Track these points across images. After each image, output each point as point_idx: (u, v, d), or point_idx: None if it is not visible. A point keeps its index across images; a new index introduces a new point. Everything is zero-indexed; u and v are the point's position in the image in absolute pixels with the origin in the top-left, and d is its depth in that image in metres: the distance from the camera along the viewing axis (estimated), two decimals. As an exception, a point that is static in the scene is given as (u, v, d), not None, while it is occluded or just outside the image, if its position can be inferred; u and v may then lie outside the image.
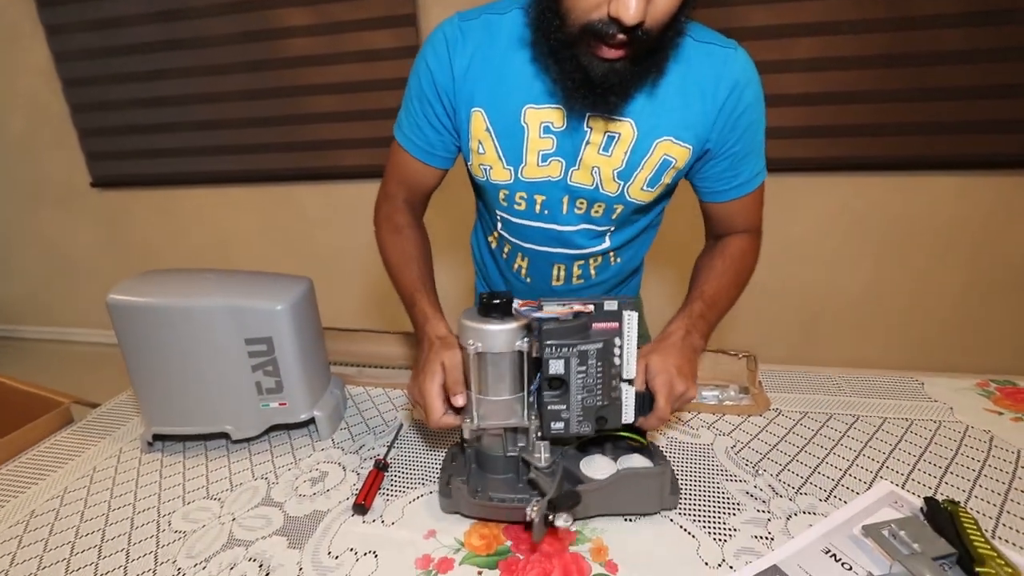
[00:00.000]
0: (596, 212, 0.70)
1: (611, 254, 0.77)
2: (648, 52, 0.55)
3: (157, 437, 0.70)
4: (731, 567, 0.50)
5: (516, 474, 0.56)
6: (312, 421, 0.71)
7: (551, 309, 0.51)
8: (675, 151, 0.64)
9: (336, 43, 2.04)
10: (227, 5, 2.06)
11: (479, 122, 0.65)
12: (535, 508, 0.45)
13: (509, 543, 0.53)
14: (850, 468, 0.63)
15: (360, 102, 2.10)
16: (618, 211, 0.69)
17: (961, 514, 0.53)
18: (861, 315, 2.08)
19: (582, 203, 0.69)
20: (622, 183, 0.66)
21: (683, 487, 0.60)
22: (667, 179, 0.67)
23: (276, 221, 2.39)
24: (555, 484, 0.49)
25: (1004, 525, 0.55)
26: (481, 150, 0.67)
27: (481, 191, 0.76)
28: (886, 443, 0.68)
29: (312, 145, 2.21)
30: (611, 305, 0.51)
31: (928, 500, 0.56)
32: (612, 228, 0.73)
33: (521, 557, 0.51)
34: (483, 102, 0.64)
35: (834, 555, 0.51)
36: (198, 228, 2.49)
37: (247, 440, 0.71)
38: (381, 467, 0.63)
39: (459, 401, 0.54)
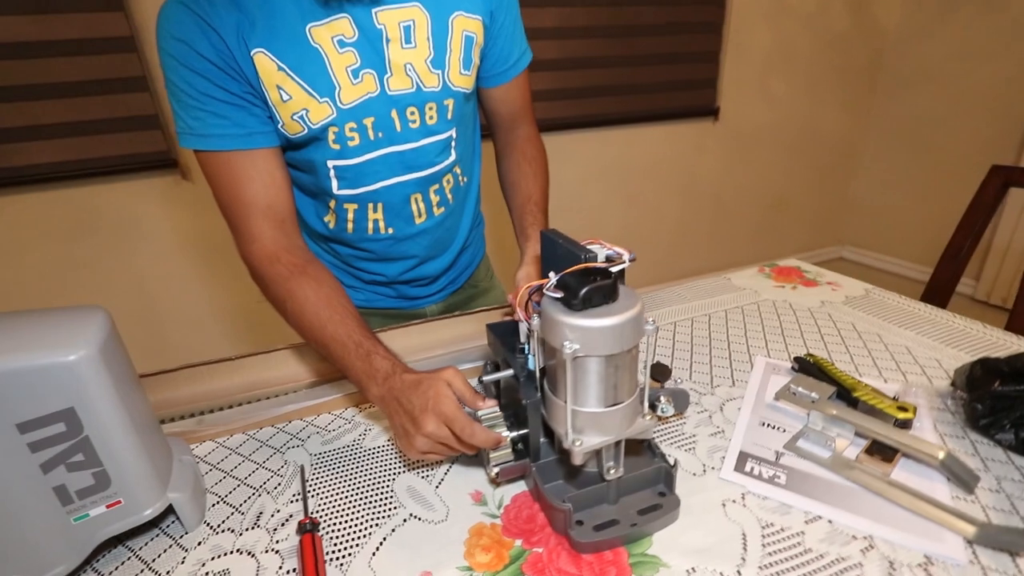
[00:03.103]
0: (431, 118, 0.66)
1: (458, 172, 0.75)
2: None
3: None
4: (714, 468, 0.54)
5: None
6: (169, 512, 0.48)
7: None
8: (471, 25, 0.65)
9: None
10: None
11: (266, 65, 0.56)
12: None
13: (519, 542, 0.46)
14: (731, 356, 0.75)
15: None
16: (450, 107, 0.67)
17: (821, 361, 0.68)
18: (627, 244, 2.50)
19: (413, 112, 0.65)
20: (439, 72, 0.64)
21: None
22: (476, 57, 0.68)
23: None
24: None
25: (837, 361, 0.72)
26: (285, 96, 0.58)
27: (304, 162, 0.65)
28: (738, 328, 0.82)
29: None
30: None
31: (796, 359, 0.70)
32: (454, 133, 0.70)
33: (540, 551, 0.45)
34: (260, 42, 0.56)
35: (769, 425, 0.59)
36: None
37: (52, 584, 0.44)
38: (310, 528, 0.47)
39: (490, 404, 0.50)
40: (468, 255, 0.85)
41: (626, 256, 0.44)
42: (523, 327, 0.51)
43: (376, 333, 0.60)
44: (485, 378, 0.51)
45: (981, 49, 2.28)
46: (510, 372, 0.50)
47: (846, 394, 0.61)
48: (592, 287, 0.40)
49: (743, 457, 0.54)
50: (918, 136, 2.59)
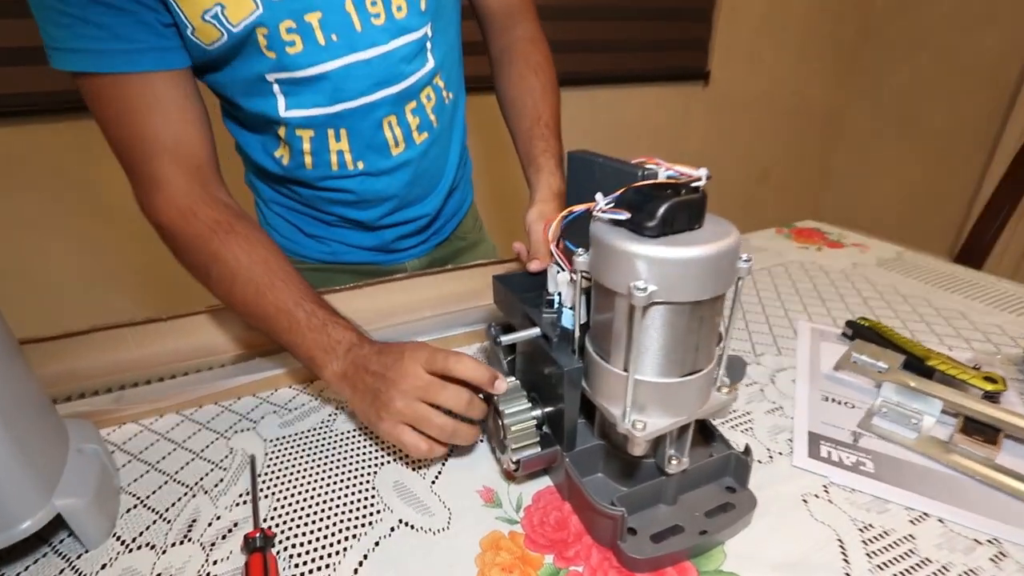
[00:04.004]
0: (399, 9, 0.51)
1: (441, 85, 0.59)
2: None
3: None
4: (782, 453, 0.43)
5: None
6: (61, 525, 0.35)
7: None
8: None
9: None
10: None
11: None
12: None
13: (549, 558, 0.34)
14: (768, 320, 0.64)
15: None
16: None
17: (880, 326, 0.58)
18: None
19: (375, 4, 0.50)
20: None
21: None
22: None
23: None
24: None
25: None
26: None
27: (235, 83, 0.50)
28: (768, 291, 0.71)
29: None
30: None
31: (849, 323, 0.60)
32: (429, 31, 0.55)
33: (580, 569, 0.33)
34: None
35: (833, 399, 0.49)
36: None
37: None
38: (260, 545, 0.34)
39: (501, 387, 0.38)
40: (457, 198, 0.71)
41: (702, 173, 0.32)
42: (553, 272, 0.38)
43: (340, 290, 0.47)
44: (504, 339, 0.38)
45: (972, 17, 2.23)
46: (536, 331, 0.37)
47: (917, 363, 0.52)
48: (677, 201, 0.27)
49: (815, 440, 0.44)
50: (903, 110, 2.55)
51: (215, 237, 0.45)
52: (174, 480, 0.42)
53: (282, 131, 0.53)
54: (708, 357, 0.32)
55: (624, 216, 0.29)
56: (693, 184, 0.31)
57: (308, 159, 0.55)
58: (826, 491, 0.39)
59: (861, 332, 0.58)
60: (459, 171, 0.69)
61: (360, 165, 0.57)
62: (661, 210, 0.27)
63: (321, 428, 0.47)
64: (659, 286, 0.27)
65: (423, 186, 0.64)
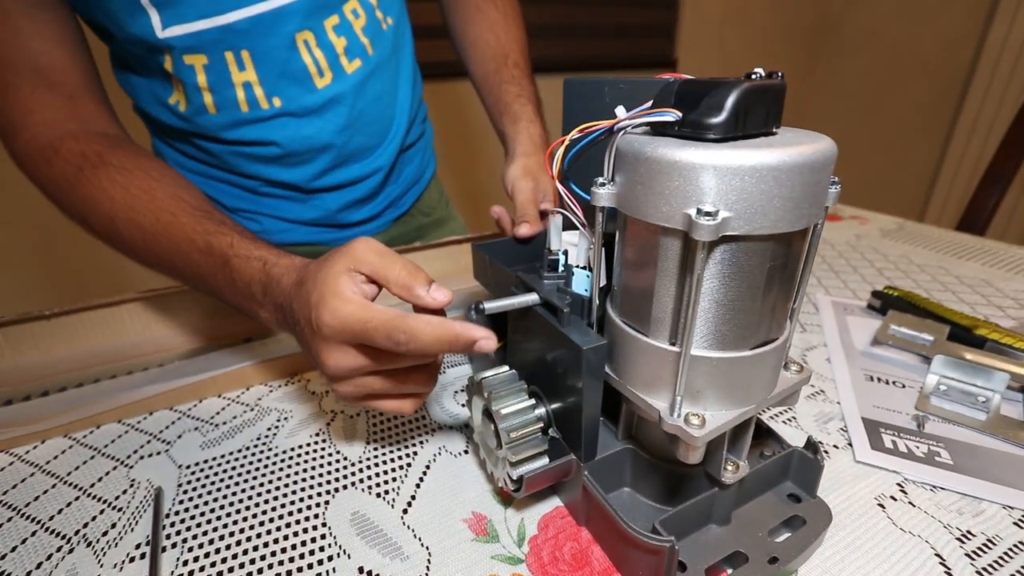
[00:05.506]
0: None
1: (372, 2, 0.48)
2: None
3: None
4: (837, 447, 0.35)
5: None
6: None
7: None
8: None
9: None
10: None
11: None
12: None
13: (569, 607, 0.25)
14: (783, 295, 0.57)
15: None
16: None
17: (913, 296, 0.51)
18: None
19: None
20: None
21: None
22: None
23: None
24: None
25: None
26: None
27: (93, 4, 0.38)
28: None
29: None
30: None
31: (876, 294, 0.53)
32: None
33: (613, 620, 0.24)
34: None
35: (879, 379, 0.42)
36: None
37: None
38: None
39: (490, 346, 0.26)
40: (417, 163, 0.60)
41: (758, 72, 0.24)
42: (557, 224, 0.29)
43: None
44: (488, 305, 0.27)
45: (923, 10, 2.27)
46: (533, 297, 0.28)
47: (964, 333, 0.45)
48: (752, 87, 0.19)
49: (872, 427, 0.36)
50: (862, 98, 2.59)
51: (80, 176, 0.34)
52: (46, 529, 0.30)
53: (168, 63, 0.41)
54: (781, 322, 0.23)
55: (674, 116, 0.20)
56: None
57: (208, 98, 0.44)
58: (903, 491, 0.31)
59: (892, 303, 0.51)
60: (414, 125, 0.58)
61: (277, 102, 0.45)
62: (732, 97, 0.18)
63: (256, 447, 0.36)
64: (733, 211, 0.18)
65: (367, 134, 0.52)
